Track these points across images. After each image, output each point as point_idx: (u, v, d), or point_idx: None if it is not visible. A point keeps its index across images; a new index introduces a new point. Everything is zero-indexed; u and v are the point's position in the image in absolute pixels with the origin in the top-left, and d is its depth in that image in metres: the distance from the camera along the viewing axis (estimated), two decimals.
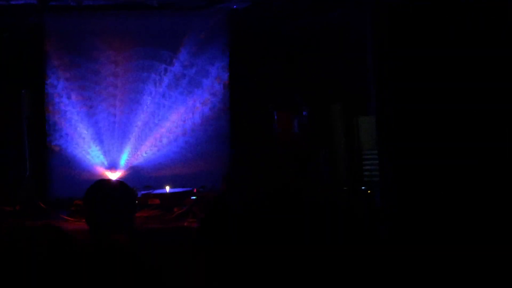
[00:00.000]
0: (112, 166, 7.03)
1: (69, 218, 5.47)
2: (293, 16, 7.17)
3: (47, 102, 6.85)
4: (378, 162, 6.51)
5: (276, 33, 7.36)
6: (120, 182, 3.21)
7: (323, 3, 6.84)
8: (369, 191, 5.71)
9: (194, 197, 5.33)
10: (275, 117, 5.44)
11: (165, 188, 5.74)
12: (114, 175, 6.97)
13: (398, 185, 3.30)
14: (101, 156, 7.02)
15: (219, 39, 7.22)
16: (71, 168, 6.92)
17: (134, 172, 7.04)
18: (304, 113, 5.42)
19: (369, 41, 5.49)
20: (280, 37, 7.34)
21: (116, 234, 3.07)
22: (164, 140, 7.19)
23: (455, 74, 3.02)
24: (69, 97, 6.92)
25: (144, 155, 7.12)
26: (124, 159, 7.06)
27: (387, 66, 3.34)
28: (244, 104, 7.14)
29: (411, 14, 3.21)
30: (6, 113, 6.66)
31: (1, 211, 5.18)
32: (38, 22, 6.82)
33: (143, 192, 5.82)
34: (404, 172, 3.22)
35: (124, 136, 7.07)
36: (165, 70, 7.14)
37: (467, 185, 2.96)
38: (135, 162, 7.09)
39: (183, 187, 5.82)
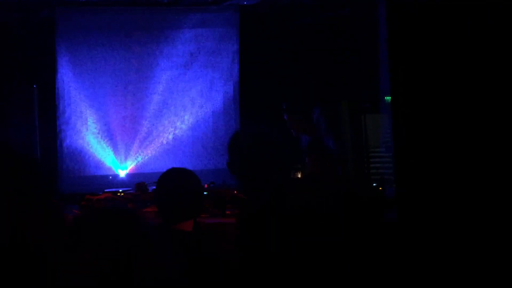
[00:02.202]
0: (122, 161, 7.06)
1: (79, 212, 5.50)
2: (302, 12, 7.19)
3: (58, 97, 6.88)
4: (385, 159, 6.56)
5: (285, 30, 7.39)
6: (189, 171, 3.19)
7: (333, 0, 6.86)
8: (380, 188, 5.75)
9: (205, 193, 5.36)
10: (285, 117, 5.48)
11: None
12: (124, 171, 7.00)
13: (413, 184, 3.30)
14: (112, 152, 7.05)
15: (229, 35, 7.24)
16: (81, 163, 6.96)
17: (144, 167, 7.07)
18: (315, 115, 5.43)
19: (382, 37, 5.51)
20: (290, 34, 7.37)
21: (184, 222, 3.07)
22: (174, 136, 7.22)
23: (474, 70, 3.02)
24: (80, 92, 6.95)
25: (154, 150, 7.15)
26: (134, 154, 7.10)
27: (403, 63, 3.34)
28: (254, 101, 7.17)
29: (428, 9, 3.21)
30: (17, 108, 6.69)
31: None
32: (49, 17, 6.84)
33: (153, 187, 5.83)
34: (419, 171, 3.22)
35: (135, 131, 7.10)
36: (176, 66, 7.17)
37: (485, 185, 2.97)
38: (145, 157, 7.12)
39: None
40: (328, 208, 1.85)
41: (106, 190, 5.89)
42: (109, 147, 7.05)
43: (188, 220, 3.02)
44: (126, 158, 7.09)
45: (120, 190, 5.87)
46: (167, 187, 3.06)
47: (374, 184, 6.34)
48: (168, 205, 3.02)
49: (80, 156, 6.96)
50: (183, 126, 7.24)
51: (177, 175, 3.13)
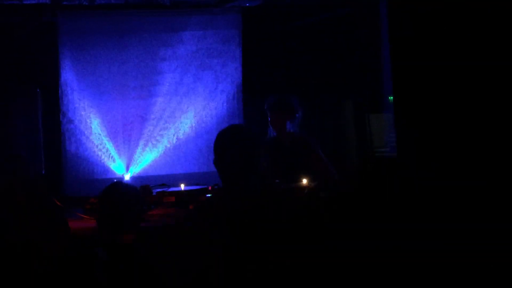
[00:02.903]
0: (127, 165, 7.07)
1: (85, 216, 5.51)
2: (304, 13, 7.19)
3: (61, 101, 6.89)
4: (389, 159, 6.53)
5: (288, 30, 7.38)
6: (130, 185, 3.29)
7: (334, 0, 6.86)
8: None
9: (209, 195, 5.35)
10: (269, 118, 5.43)
11: (180, 186, 5.75)
12: (128, 174, 7.01)
13: (416, 183, 3.28)
14: (115, 155, 7.05)
15: (232, 37, 7.24)
16: (85, 166, 6.96)
17: (149, 170, 7.08)
18: (297, 115, 5.41)
19: (384, 36, 5.49)
20: (292, 34, 7.37)
21: (125, 234, 3.13)
22: (178, 139, 7.22)
23: (477, 69, 3.00)
24: (83, 95, 6.96)
25: (159, 153, 7.15)
26: (138, 157, 7.10)
27: (405, 62, 3.32)
28: (257, 103, 7.16)
29: (429, 7, 3.19)
30: (21, 112, 6.70)
31: None
32: (51, 21, 6.85)
33: (158, 190, 5.83)
34: (423, 172, 3.21)
35: (139, 134, 7.10)
36: (179, 68, 7.17)
37: (489, 185, 2.95)
38: (150, 160, 7.12)
39: (197, 185, 5.84)
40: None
41: None
42: (113, 150, 7.05)
43: (128, 233, 3.08)
44: (130, 161, 7.10)
45: None
46: (107, 202, 3.15)
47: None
48: (107, 219, 3.10)
49: (84, 159, 6.97)
50: (187, 129, 7.24)
51: (117, 190, 3.21)
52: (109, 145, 7.04)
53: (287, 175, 5.14)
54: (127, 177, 7.00)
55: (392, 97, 4.52)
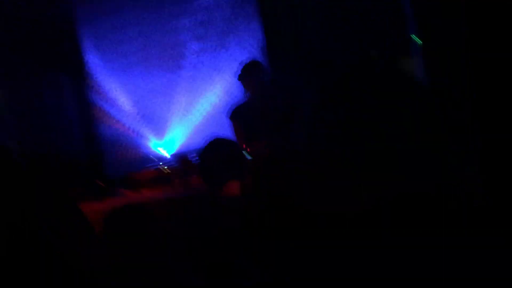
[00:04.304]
0: (162, 142, 7.12)
1: (127, 192, 5.66)
2: None
3: (88, 85, 6.94)
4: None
5: None
6: (228, 139, 3.39)
7: None
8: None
9: None
10: (242, 85, 5.05)
11: None
12: (164, 149, 7.07)
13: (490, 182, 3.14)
14: (151, 133, 7.11)
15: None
16: (121, 147, 7.04)
17: (183, 145, 7.12)
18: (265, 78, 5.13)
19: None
20: None
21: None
22: (211, 112, 7.21)
23: None
24: (109, 78, 7.00)
25: (191, 126, 7.19)
26: (174, 134, 7.14)
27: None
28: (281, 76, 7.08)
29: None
30: (51, 100, 6.77)
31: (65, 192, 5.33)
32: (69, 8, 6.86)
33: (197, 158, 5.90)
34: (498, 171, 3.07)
35: (169, 109, 7.14)
36: (201, 37, 7.15)
37: None
38: (183, 135, 7.17)
39: None
40: None
41: (146, 166, 5.97)
42: (149, 129, 7.11)
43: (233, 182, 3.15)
44: (163, 137, 7.14)
45: (161, 163, 5.94)
46: (211, 155, 3.22)
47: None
48: (208, 170, 3.18)
49: (121, 141, 7.05)
50: (216, 100, 7.21)
51: (217, 144, 3.29)
52: (144, 125, 7.09)
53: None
54: (163, 151, 7.05)
55: None
